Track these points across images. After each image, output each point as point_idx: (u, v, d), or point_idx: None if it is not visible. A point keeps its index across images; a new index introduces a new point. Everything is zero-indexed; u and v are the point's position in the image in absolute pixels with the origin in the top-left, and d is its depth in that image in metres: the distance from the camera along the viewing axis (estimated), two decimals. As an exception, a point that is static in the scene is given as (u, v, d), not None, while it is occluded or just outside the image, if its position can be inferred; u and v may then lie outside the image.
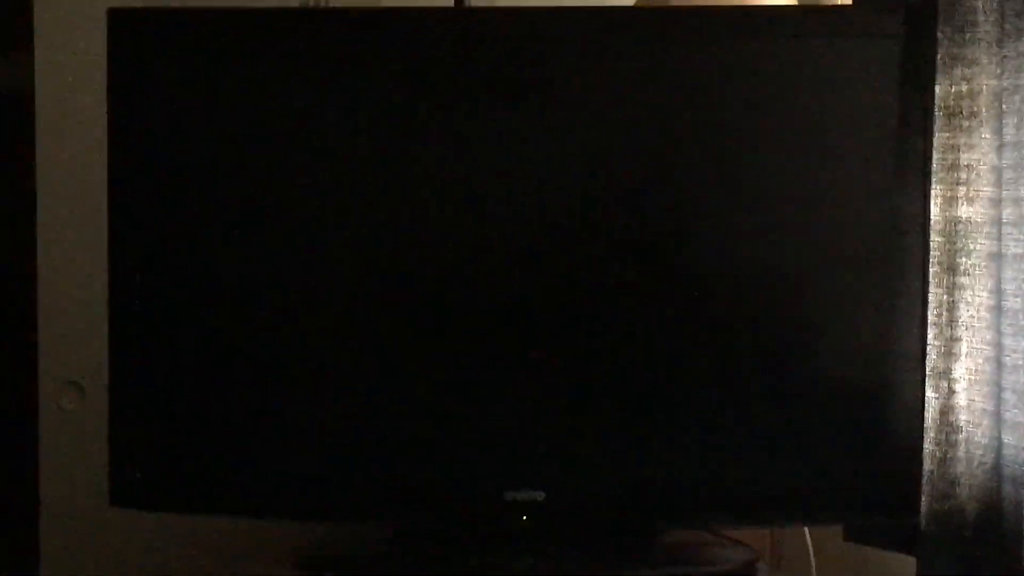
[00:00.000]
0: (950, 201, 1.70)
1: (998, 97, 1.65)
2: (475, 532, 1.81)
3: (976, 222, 1.69)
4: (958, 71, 1.68)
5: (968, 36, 1.67)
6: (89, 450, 2.10)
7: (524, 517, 1.75)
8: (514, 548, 1.78)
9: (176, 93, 1.77)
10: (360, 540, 1.90)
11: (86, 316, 2.12)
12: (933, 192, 1.71)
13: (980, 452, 1.68)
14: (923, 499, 1.71)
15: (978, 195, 1.68)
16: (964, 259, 1.69)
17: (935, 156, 1.70)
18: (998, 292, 1.65)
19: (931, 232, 1.71)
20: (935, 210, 1.71)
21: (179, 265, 1.78)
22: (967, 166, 1.69)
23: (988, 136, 1.67)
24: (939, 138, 1.70)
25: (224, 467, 1.78)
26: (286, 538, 1.90)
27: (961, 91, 1.69)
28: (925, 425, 1.71)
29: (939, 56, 1.69)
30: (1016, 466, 1.61)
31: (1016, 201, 1.62)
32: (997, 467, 1.66)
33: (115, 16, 1.76)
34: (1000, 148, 1.65)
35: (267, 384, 1.78)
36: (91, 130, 1.88)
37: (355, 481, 1.78)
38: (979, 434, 1.68)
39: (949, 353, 1.71)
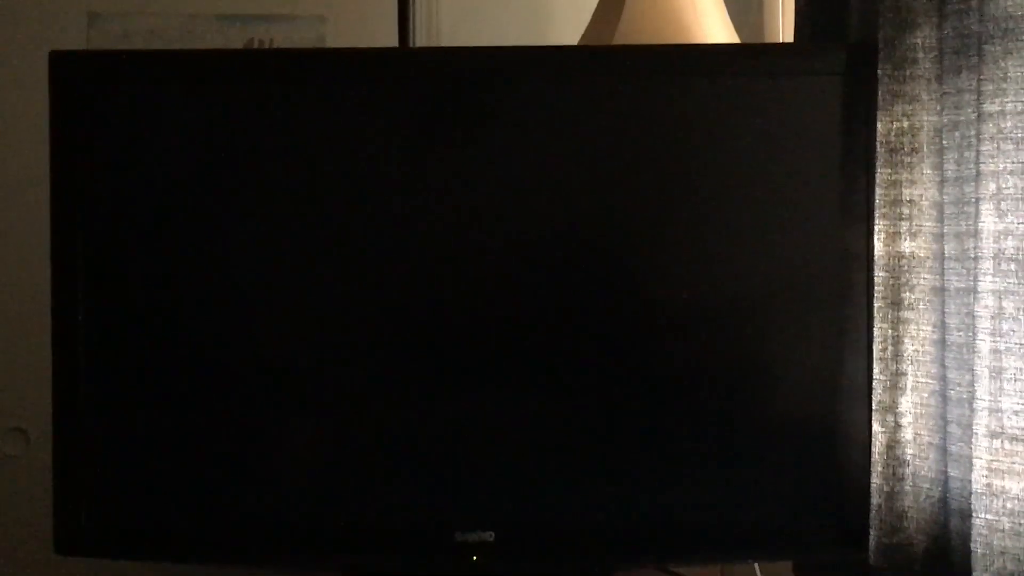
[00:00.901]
0: (893, 236, 1.71)
1: (938, 133, 1.66)
2: (425, 574, 1.80)
3: (919, 257, 1.70)
4: (899, 108, 1.70)
5: (908, 73, 1.69)
6: (33, 497, 2.08)
7: (474, 558, 1.74)
8: (465, 590, 1.78)
9: (120, 135, 1.76)
10: (309, 584, 1.89)
11: (29, 361, 2.10)
12: (876, 228, 1.72)
13: (927, 486, 1.69)
14: (871, 533, 1.72)
15: (920, 230, 1.70)
16: (908, 294, 1.71)
17: (878, 192, 1.72)
18: (942, 326, 1.66)
19: (875, 267, 1.72)
20: (878, 245, 1.72)
21: (123, 308, 1.76)
22: (909, 202, 1.70)
23: (929, 172, 1.68)
24: (881, 174, 1.72)
25: (170, 513, 1.77)
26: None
27: (902, 127, 1.70)
28: (872, 459, 1.72)
29: (880, 93, 1.70)
30: (963, 499, 1.62)
31: (958, 236, 1.63)
32: (944, 500, 1.66)
33: (58, 59, 1.75)
34: (941, 184, 1.66)
35: (213, 430, 1.76)
36: (33, 173, 1.87)
37: (304, 524, 1.76)
38: (926, 468, 1.69)
39: (895, 387, 1.71)
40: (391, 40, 2.26)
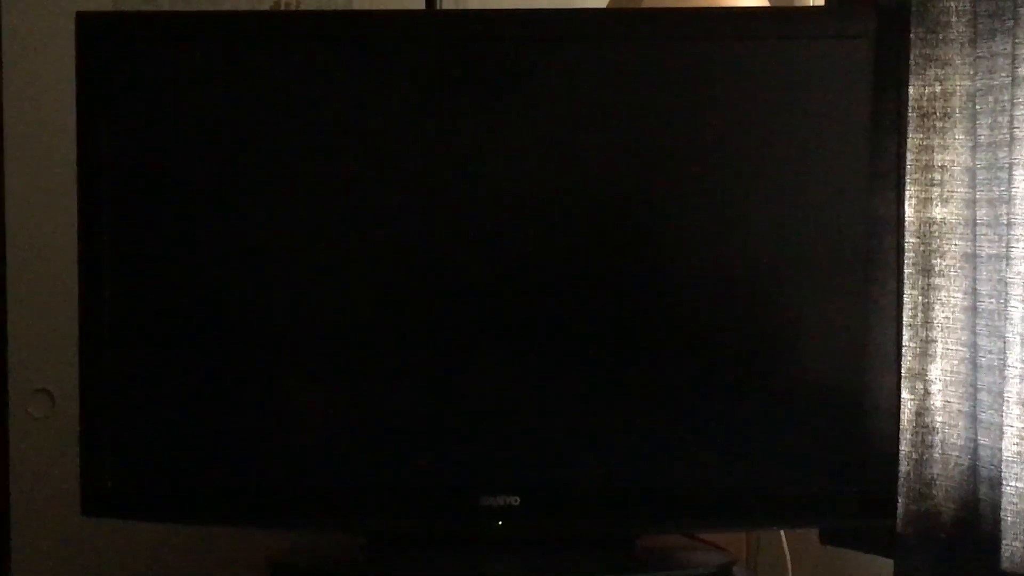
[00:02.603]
0: (924, 202, 1.70)
1: (972, 98, 1.65)
2: (450, 538, 1.80)
3: (950, 223, 1.68)
4: (931, 72, 1.68)
5: (941, 37, 1.67)
6: (59, 459, 2.08)
7: (499, 522, 1.74)
8: (489, 553, 1.77)
9: (146, 97, 1.76)
10: (334, 546, 1.89)
11: (55, 323, 2.11)
12: (907, 193, 1.70)
13: (956, 453, 1.68)
14: (899, 501, 1.71)
15: (952, 196, 1.68)
16: (939, 260, 1.69)
17: (909, 157, 1.70)
18: (973, 293, 1.64)
19: (906, 233, 1.71)
20: (909, 211, 1.70)
21: (148, 271, 1.76)
22: (941, 167, 1.69)
23: (962, 137, 1.67)
24: (913, 139, 1.70)
25: (196, 474, 1.77)
26: (260, 545, 1.89)
27: (935, 92, 1.68)
28: (901, 427, 1.71)
29: (912, 57, 1.69)
30: (992, 467, 1.61)
31: (990, 202, 1.61)
32: (973, 468, 1.65)
33: (84, 20, 1.75)
34: (974, 149, 1.65)
35: (239, 391, 1.76)
36: (60, 136, 1.87)
37: (329, 487, 1.77)
38: (955, 435, 1.68)
39: (924, 354, 1.70)
40: (418, 3, 2.25)
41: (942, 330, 1.69)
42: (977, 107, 1.64)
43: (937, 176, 1.69)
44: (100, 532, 2.09)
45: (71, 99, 1.75)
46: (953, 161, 1.68)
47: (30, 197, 2.20)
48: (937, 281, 1.69)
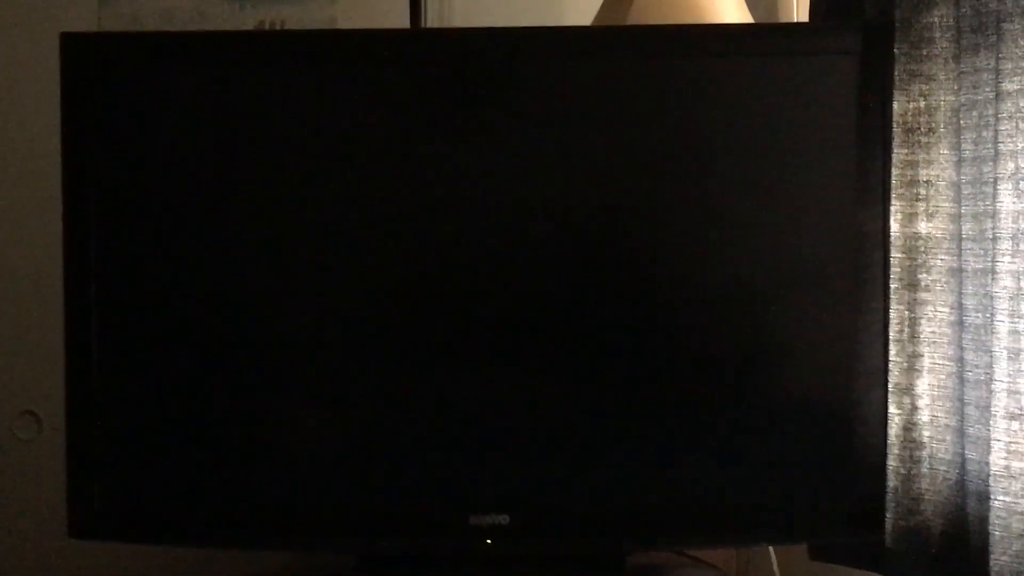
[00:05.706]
0: (910, 217, 1.70)
1: (956, 113, 1.65)
2: (439, 557, 1.80)
3: (936, 238, 1.69)
4: (916, 87, 1.69)
5: (925, 52, 1.67)
6: (46, 480, 2.07)
7: (489, 541, 1.74)
8: (479, 572, 1.77)
9: (131, 116, 1.75)
10: (324, 566, 1.88)
11: (41, 343, 2.10)
12: (893, 208, 1.71)
13: (944, 468, 1.68)
14: (888, 516, 1.71)
15: (937, 211, 1.68)
16: (925, 275, 1.69)
17: (894, 172, 1.71)
18: (959, 307, 1.65)
19: (891, 248, 1.71)
20: (895, 226, 1.71)
21: (134, 291, 1.76)
22: (926, 182, 1.69)
23: (946, 152, 1.67)
24: (898, 154, 1.70)
25: (184, 496, 1.76)
26: (248, 566, 1.88)
27: (919, 107, 1.69)
28: (888, 442, 1.71)
29: (897, 72, 1.69)
30: (980, 481, 1.61)
31: (975, 216, 1.62)
32: (961, 483, 1.66)
33: (69, 40, 1.75)
34: (958, 163, 1.65)
35: (227, 412, 1.76)
36: (45, 155, 1.86)
37: (318, 507, 1.76)
38: (943, 450, 1.68)
39: (911, 369, 1.71)
40: (402, 22, 2.25)
41: (929, 345, 1.70)
42: (961, 122, 1.64)
43: (922, 191, 1.69)
44: (87, 555, 2.08)
45: (55, 119, 1.75)
46: (938, 176, 1.68)
47: (14, 216, 2.20)
48: (923, 296, 1.70)
